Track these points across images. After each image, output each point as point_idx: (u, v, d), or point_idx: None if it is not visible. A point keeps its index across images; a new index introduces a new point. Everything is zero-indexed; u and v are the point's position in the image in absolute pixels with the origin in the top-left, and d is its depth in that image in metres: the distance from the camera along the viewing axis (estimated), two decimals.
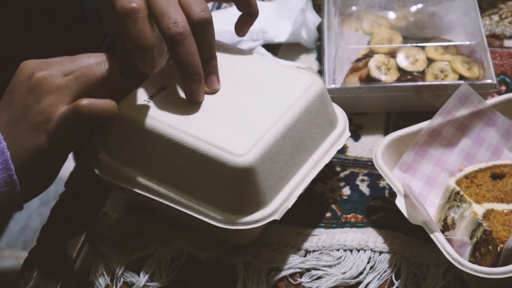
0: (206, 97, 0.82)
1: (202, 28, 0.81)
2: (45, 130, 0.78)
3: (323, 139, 0.84)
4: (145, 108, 0.81)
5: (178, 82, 0.84)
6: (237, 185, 0.77)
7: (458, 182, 0.82)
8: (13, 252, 1.73)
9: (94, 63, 0.81)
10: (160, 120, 0.80)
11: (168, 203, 0.80)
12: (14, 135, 0.78)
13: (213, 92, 0.83)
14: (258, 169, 0.77)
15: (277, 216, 0.78)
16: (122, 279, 0.83)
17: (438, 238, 0.76)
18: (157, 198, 0.80)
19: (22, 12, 1.07)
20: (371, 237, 0.84)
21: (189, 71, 0.79)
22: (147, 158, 0.80)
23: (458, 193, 0.80)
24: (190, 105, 0.82)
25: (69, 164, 0.90)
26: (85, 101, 0.78)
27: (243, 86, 0.84)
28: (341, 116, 0.88)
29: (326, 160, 0.84)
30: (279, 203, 0.79)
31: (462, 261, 0.74)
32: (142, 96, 0.82)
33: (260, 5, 1.07)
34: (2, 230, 1.81)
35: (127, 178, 0.81)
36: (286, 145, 0.80)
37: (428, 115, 0.90)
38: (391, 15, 1.02)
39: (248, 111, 0.81)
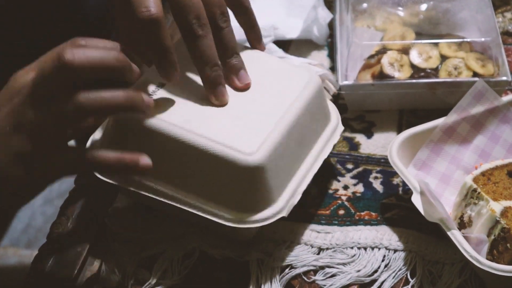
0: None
1: (221, 29, 0.81)
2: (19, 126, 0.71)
3: (320, 134, 0.85)
4: None
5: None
6: (248, 184, 0.76)
7: (475, 180, 0.81)
8: (16, 251, 1.72)
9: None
10: (164, 119, 0.78)
11: (174, 203, 0.78)
12: None
13: (245, 88, 0.82)
14: (268, 166, 0.76)
15: (285, 213, 0.78)
16: (133, 277, 0.82)
17: (456, 235, 0.75)
18: (162, 199, 0.79)
19: (20, 12, 1.06)
20: (385, 235, 0.83)
21: (210, 63, 0.79)
22: (151, 159, 0.78)
23: (475, 190, 0.79)
24: (192, 103, 0.80)
25: None
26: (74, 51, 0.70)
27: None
28: (333, 110, 0.88)
29: (324, 155, 0.84)
30: (285, 200, 0.79)
31: (480, 259, 0.73)
32: None
33: (272, 2, 1.07)
34: (5, 229, 1.80)
35: (131, 179, 0.80)
36: (290, 141, 0.79)
37: (441, 113, 0.89)
38: (404, 11, 1.01)
39: (251, 108, 0.80)
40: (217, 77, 0.79)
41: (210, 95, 0.80)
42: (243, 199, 0.77)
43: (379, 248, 0.82)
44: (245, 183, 0.76)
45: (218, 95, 0.80)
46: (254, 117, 0.79)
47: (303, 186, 0.81)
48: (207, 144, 0.76)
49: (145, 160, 0.75)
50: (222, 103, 0.80)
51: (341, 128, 0.87)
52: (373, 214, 0.85)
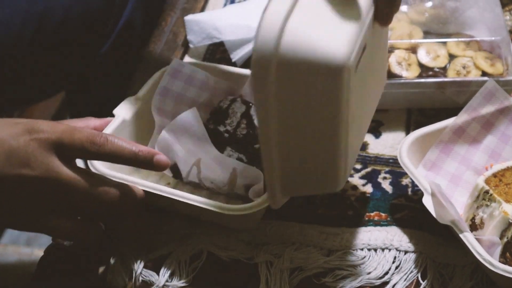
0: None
1: None
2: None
3: None
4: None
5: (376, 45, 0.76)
6: (314, 191, 0.80)
7: (487, 181, 0.80)
8: (16, 249, 1.71)
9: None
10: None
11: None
12: None
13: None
14: None
15: None
16: (141, 278, 0.81)
17: (468, 238, 0.74)
18: None
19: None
20: (395, 236, 0.82)
21: None
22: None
23: (487, 192, 0.78)
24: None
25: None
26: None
27: (375, 64, 0.79)
28: None
29: None
30: None
31: (493, 262, 0.72)
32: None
33: None
34: None
35: None
36: None
37: (449, 112, 0.89)
38: (411, 10, 1.00)
39: (364, 114, 0.80)
40: None
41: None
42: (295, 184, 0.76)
43: (390, 250, 0.81)
44: (314, 189, 0.78)
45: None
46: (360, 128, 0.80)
47: None
48: (337, 132, 0.71)
49: (160, 158, 0.78)
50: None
51: None
52: (383, 214, 0.85)
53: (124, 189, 0.78)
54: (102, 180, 0.77)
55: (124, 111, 0.88)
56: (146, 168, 0.79)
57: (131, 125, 0.88)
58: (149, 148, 0.78)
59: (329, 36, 0.67)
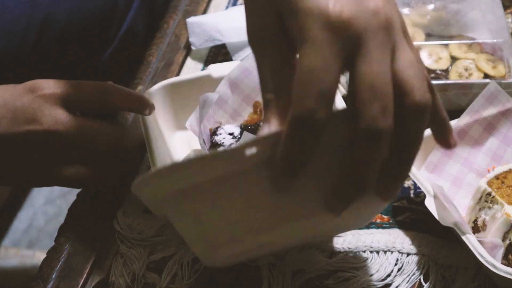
0: None
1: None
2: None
3: None
4: None
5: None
6: None
7: (489, 183, 0.80)
8: (18, 251, 1.71)
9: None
10: None
11: None
12: None
13: None
14: None
15: None
16: (143, 280, 0.81)
17: (470, 240, 0.74)
18: None
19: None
20: (398, 238, 0.82)
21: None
22: None
23: (489, 194, 0.78)
24: None
25: None
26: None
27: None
28: None
29: None
30: None
31: (496, 264, 0.72)
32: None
33: None
34: (7, 229, 1.79)
35: None
36: None
37: (451, 114, 0.88)
38: (413, 12, 1.00)
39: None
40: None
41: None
42: None
43: (392, 252, 0.81)
44: None
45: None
46: None
47: None
48: None
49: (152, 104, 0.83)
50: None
51: None
52: (385, 217, 0.85)
53: (133, 133, 0.81)
54: (111, 126, 0.80)
55: (218, 69, 0.91)
56: (141, 112, 0.82)
57: (211, 82, 0.90)
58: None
59: None
